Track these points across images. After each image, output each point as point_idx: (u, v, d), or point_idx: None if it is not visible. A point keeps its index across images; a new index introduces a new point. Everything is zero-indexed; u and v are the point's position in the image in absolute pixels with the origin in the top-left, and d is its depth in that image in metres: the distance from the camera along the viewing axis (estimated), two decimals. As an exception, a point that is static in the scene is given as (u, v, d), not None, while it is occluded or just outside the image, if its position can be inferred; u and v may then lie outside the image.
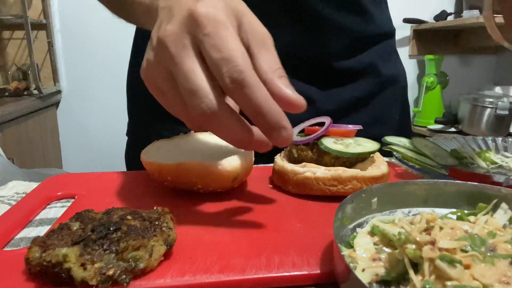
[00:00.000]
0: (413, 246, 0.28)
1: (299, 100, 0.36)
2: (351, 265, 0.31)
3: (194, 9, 0.35)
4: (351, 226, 0.38)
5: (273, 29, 0.66)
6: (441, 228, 0.32)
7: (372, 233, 0.35)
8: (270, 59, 0.37)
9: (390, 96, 0.81)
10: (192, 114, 0.36)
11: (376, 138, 0.57)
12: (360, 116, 0.76)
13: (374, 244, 0.33)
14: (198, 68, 0.35)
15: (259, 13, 0.65)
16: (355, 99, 0.75)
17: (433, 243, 0.27)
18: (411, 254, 0.28)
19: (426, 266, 0.27)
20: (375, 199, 0.40)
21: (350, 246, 0.34)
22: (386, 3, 0.82)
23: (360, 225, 0.39)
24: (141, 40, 0.79)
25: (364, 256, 0.31)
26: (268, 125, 0.35)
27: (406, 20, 2.45)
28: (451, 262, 0.26)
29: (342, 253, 0.31)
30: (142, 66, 0.40)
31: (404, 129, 0.85)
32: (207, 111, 0.35)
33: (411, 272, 0.27)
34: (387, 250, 0.32)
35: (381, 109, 0.77)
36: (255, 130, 0.37)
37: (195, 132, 0.43)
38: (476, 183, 0.41)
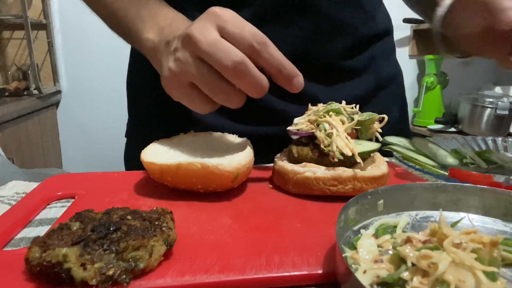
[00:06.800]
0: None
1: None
2: (353, 266, 0.31)
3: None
4: (356, 227, 0.38)
5: (283, 29, 0.67)
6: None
7: (376, 235, 0.35)
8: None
9: (390, 94, 0.81)
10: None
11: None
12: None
13: (378, 246, 0.33)
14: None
15: (269, 13, 0.66)
16: (357, 97, 0.75)
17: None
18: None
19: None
20: (381, 201, 0.40)
21: (354, 247, 0.34)
22: (382, 1, 0.83)
23: (365, 227, 0.38)
24: None
25: (367, 258, 0.31)
26: (288, 74, 0.47)
27: (406, 20, 2.45)
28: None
29: (343, 254, 0.31)
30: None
31: (403, 127, 0.86)
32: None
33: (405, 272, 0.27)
34: (391, 252, 0.32)
35: (381, 107, 0.77)
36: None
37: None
38: (487, 187, 0.40)
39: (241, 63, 0.44)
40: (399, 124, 0.82)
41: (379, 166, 0.53)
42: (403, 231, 0.37)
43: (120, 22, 0.60)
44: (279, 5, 0.67)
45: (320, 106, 0.57)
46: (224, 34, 0.45)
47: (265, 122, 0.73)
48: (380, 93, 0.79)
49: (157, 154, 0.53)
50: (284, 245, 0.37)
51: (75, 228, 0.35)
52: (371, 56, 0.77)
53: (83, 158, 2.56)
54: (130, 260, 0.32)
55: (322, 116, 0.54)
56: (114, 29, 0.64)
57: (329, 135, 0.51)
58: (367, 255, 0.32)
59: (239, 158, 0.49)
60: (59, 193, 0.52)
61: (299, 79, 0.48)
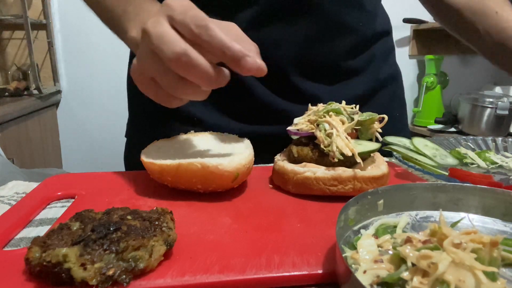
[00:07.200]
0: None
1: (261, 64, 0.43)
2: (353, 266, 0.31)
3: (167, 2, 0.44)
4: (356, 227, 0.38)
5: (285, 28, 0.68)
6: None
7: (376, 235, 0.35)
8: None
9: (389, 93, 0.81)
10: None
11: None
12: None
13: (378, 246, 0.33)
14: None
15: (272, 13, 0.66)
16: (357, 96, 0.75)
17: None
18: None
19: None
20: (381, 201, 0.40)
21: (354, 247, 0.34)
22: (381, 1, 0.83)
23: (365, 227, 0.38)
24: None
25: (367, 258, 0.31)
26: (234, 55, 0.41)
27: (406, 20, 2.45)
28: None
29: (343, 254, 0.31)
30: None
31: (403, 126, 0.86)
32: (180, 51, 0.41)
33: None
34: (391, 252, 0.32)
35: (381, 107, 0.78)
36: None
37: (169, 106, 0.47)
38: (487, 187, 0.40)
39: (183, 54, 0.41)
40: (398, 124, 0.83)
41: (379, 166, 0.53)
42: (403, 231, 0.37)
43: (111, 20, 0.60)
44: (282, 5, 0.67)
45: (320, 106, 0.57)
46: (173, 23, 0.43)
47: (266, 122, 0.73)
48: (380, 93, 0.79)
49: (157, 154, 0.53)
50: (284, 245, 0.37)
51: (75, 228, 0.35)
52: (371, 56, 0.78)
53: (83, 158, 2.56)
54: (130, 260, 0.32)
55: (322, 116, 0.54)
56: (109, 27, 0.64)
57: (329, 135, 0.51)
58: (367, 255, 0.32)
59: (239, 158, 0.49)
60: (59, 193, 0.52)
61: (248, 60, 0.42)
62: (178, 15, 0.42)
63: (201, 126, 0.72)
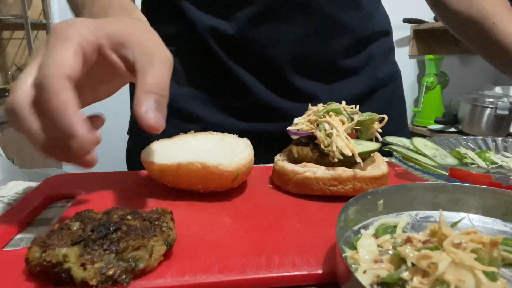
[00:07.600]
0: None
1: (152, 121, 0.37)
2: (353, 266, 0.31)
3: (53, 28, 0.37)
4: (355, 227, 0.38)
5: (283, 27, 0.68)
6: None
7: (376, 235, 0.35)
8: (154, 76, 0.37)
9: (388, 93, 0.81)
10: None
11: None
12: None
13: (378, 246, 0.33)
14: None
15: (270, 12, 0.67)
16: (355, 95, 0.76)
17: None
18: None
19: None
20: (381, 201, 0.40)
21: (354, 247, 0.34)
22: (380, 1, 0.83)
23: (365, 227, 0.38)
24: None
25: (367, 258, 0.31)
26: (62, 131, 0.32)
27: (406, 20, 2.45)
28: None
29: (343, 254, 0.31)
30: None
31: (403, 126, 0.86)
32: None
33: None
34: (391, 252, 0.32)
35: (380, 106, 0.78)
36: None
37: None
38: (487, 187, 0.40)
39: (11, 111, 0.34)
40: (398, 124, 0.83)
41: (379, 166, 0.53)
42: (403, 231, 0.37)
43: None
44: (280, 4, 0.67)
45: (320, 106, 0.57)
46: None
47: (264, 120, 0.74)
48: (378, 93, 0.79)
49: (157, 154, 0.53)
50: (284, 245, 0.37)
51: (75, 228, 0.35)
52: (369, 55, 0.78)
53: (83, 158, 2.56)
54: (130, 260, 0.32)
55: (322, 116, 0.54)
56: None
57: (329, 135, 0.51)
58: (367, 255, 0.32)
59: (239, 158, 0.49)
60: (59, 193, 0.52)
61: (79, 141, 0.33)
62: (41, 62, 0.34)
63: (201, 123, 0.73)
